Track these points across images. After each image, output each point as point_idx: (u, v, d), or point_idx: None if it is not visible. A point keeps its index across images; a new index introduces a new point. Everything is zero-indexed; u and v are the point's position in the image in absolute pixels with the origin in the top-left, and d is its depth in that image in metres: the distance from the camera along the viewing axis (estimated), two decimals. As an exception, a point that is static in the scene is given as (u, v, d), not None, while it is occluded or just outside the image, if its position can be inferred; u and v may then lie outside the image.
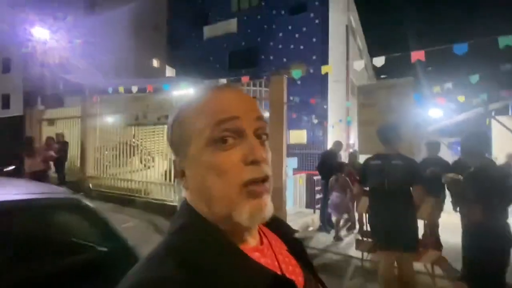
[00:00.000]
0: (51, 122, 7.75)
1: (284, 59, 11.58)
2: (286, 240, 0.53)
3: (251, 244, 0.45)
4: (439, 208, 3.63)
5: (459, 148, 2.61)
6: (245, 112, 0.43)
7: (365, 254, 3.47)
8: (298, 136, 10.71)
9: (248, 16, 13.01)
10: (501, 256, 1.93)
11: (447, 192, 3.57)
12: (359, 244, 3.45)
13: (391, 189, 2.22)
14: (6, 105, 17.10)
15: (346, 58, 12.03)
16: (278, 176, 4.09)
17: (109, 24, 14.69)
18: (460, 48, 3.00)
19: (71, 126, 7.26)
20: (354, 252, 3.75)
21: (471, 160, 2.16)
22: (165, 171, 5.50)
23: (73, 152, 6.95)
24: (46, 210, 1.61)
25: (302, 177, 6.78)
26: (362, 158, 4.10)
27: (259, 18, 12.62)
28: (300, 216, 5.55)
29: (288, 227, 0.57)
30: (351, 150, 7.02)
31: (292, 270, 0.47)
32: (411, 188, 2.24)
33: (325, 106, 10.54)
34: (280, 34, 11.96)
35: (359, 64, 4.30)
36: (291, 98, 5.54)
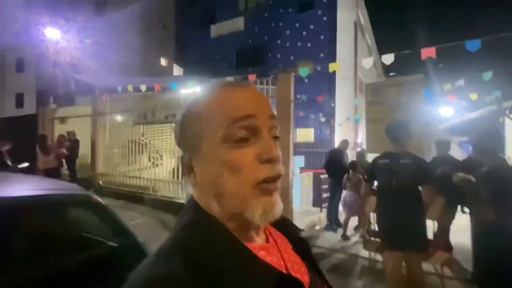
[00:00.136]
0: (63, 120, 7.94)
1: (292, 57, 11.50)
2: (291, 239, 0.53)
3: (258, 243, 0.45)
4: (451, 212, 3.47)
5: (470, 147, 2.55)
6: (260, 111, 0.43)
7: (373, 253, 3.44)
8: (305, 134, 10.65)
9: (255, 14, 12.96)
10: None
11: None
12: (366, 244, 3.42)
13: (399, 188, 2.19)
14: (20, 104, 17.58)
15: (354, 55, 11.87)
16: (284, 175, 4.01)
17: (117, 24, 14.91)
18: (473, 45, 2.92)
19: (82, 124, 7.41)
20: (361, 252, 3.72)
21: (484, 158, 2.11)
22: (173, 169, 5.56)
23: (84, 150, 7.10)
24: (59, 205, 1.66)
25: (309, 175, 6.76)
26: (370, 157, 4.06)
27: (266, 16, 12.56)
28: (307, 214, 5.54)
29: (294, 226, 0.57)
30: (359, 149, 6.95)
31: (298, 269, 0.47)
32: (419, 188, 2.20)
33: (332, 104, 10.44)
34: (288, 32, 11.88)
35: (367, 62, 4.24)
36: (298, 96, 5.51)
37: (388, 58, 3.46)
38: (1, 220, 1.32)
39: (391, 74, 15.09)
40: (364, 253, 3.59)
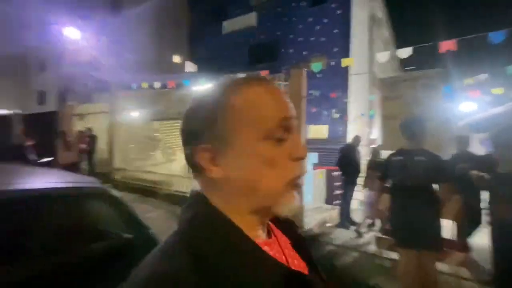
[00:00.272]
0: (81, 117, 8.25)
1: (304, 52, 11.34)
2: (289, 235, 0.54)
3: (261, 238, 0.46)
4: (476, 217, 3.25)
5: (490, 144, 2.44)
6: (292, 111, 0.47)
7: (386, 252, 3.38)
8: (318, 131, 10.52)
9: (267, 9, 12.85)
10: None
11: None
12: (379, 242, 3.36)
13: (413, 185, 2.13)
14: (42, 101, 18.39)
15: (369, 49, 11.53)
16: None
17: (132, 23, 15.21)
18: (497, 36, 2.78)
19: (99, 120, 7.67)
20: (373, 249, 3.66)
21: (505, 154, 2.01)
22: (186, 164, 5.66)
23: (101, 145, 7.36)
24: (78, 197, 1.75)
25: (322, 172, 6.69)
26: (385, 154, 3.97)
27: (279, 11, 12.41)
28: (319, 211, 5.49)
29: (293, 222, 0.57)
30: (373, 146, 6.79)
31: (298, 265, 0.48)
32: (433, 186, 2.14)
33: (345, 100, 10.23)
34: (300, 27, 11.70)
35: (383, 56, 4.13)
36: (311, 92, 5.45)
37: (405, 52, 3.36)
38: (28, 209, 1.43)
39: (409, 68, 14.57)
40: (377, 251, 3.53)
